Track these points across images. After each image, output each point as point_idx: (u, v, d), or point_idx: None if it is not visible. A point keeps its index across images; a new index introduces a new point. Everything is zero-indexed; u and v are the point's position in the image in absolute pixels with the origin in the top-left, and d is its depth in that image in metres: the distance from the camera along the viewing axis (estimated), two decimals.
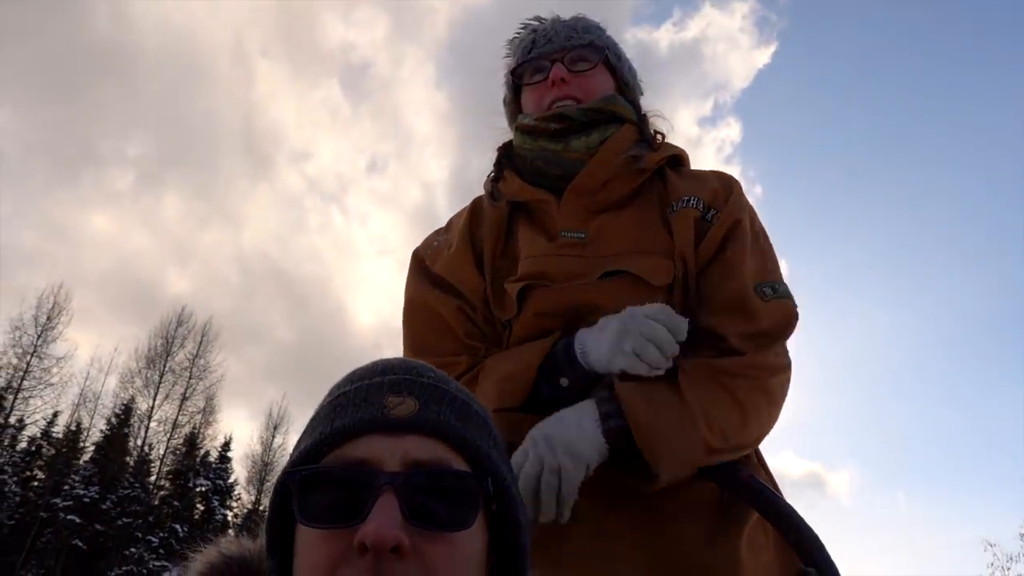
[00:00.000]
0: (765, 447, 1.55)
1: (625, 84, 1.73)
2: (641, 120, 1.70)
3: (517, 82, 1.75)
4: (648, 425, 1.29)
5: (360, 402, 0.82)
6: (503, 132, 1.79)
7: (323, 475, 0.78)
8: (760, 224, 1.63)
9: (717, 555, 1.35)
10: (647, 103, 1.77)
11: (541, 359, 1.42)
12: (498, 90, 1.84)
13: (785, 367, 1.48)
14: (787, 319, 1.48)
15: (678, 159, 1.67)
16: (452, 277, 1.62)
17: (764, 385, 1.42)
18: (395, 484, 0.74)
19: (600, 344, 1.37)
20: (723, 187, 1.61)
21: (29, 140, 63.91)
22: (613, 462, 1.31)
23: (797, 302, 1.52)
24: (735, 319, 1.45)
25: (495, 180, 1.69)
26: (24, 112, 63.84)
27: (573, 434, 1.29)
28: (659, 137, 1.69)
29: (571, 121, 1.59)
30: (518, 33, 1.79)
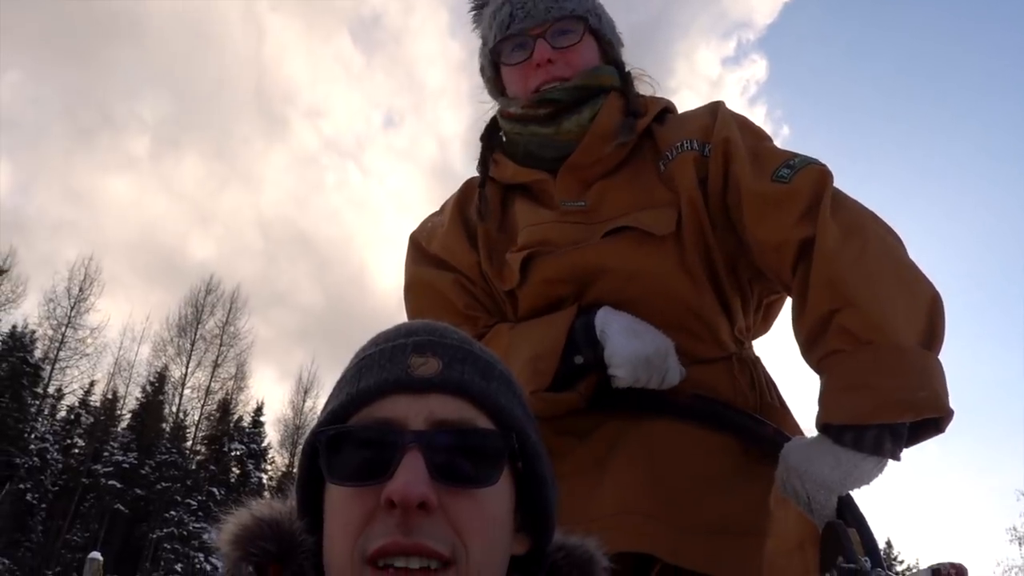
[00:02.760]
0: (795, 401, 1.54)
1: (609, 44, 1.67)
2: (625, 82, 1.64)
3: (496, 59, 1.68)
4: (875, 408, 1.20)
5: (385, 363, 0.82)
6: (488, 106, 1.74)
7: (349, 434, 0.79)
8: (754, 127, 1.58)
9: (740, 505, 1.36)
10: (647, 56, 1.73)
11: (565, 337, 1.42)
12: None
13: (853, 209, 1.40)
14: (819, 180, 1.40)
15: (665, 112, 1.64)
16: (447, 254, 1.64)
17: (856, 237, 1.33)
18: (420, 442, 0.75)
19: (628, 348, 1.37)
20: (710, 116, 1.58)
21: (43, 106, 64.09)
22: (915, 432, 1.26)
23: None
24: (778, 218, 1.39)
25: (483, 164, 1.67)
26: (37, 77, 63.93)
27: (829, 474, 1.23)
28: (643, 100, 1.64)
29: (559, 103, 1.55)
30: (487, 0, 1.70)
